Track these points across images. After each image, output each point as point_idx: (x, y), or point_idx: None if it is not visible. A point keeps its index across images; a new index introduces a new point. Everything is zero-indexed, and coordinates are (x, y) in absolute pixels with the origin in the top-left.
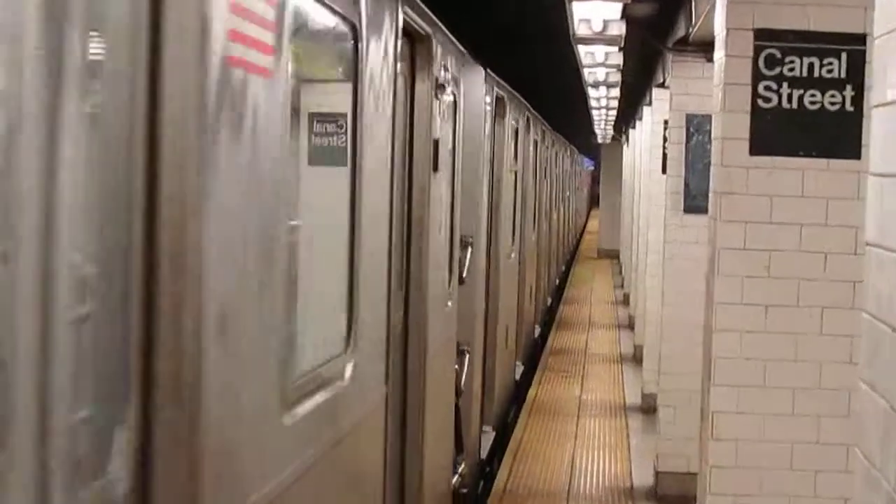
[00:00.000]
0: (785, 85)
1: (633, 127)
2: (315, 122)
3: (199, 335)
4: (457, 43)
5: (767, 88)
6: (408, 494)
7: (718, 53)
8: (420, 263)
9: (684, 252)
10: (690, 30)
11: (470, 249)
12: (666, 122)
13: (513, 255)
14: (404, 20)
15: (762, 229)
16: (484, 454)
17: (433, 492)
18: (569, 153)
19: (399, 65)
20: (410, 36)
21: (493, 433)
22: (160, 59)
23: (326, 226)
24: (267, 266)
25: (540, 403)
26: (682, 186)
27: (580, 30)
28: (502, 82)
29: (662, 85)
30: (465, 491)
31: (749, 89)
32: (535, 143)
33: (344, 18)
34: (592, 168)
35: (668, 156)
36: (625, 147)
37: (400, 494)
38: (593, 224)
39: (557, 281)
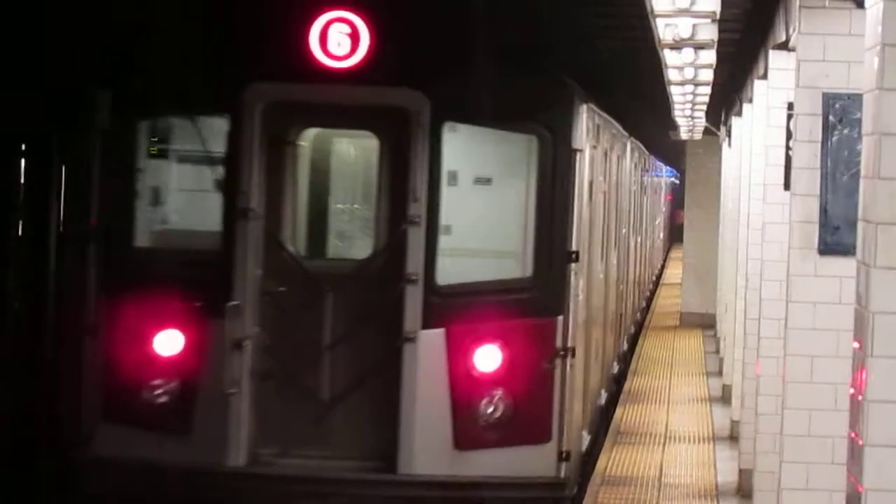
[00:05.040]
0: None
1: (739, 114)
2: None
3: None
4: None
5: None
6: None
7: None
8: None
9: (820, 319)
10: None
11: None
12: (790, 107)
13: None
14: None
15: None
16: None
17: None
18: (637, 157)
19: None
20: None
21: None
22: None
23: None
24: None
25: None
26: (818, 212)
27: None
28: None
29: (784, 45)
30: None
31: None
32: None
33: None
34: (674, 180)
35: (794, 161)
36: (724, 147)
37: None
38: (673, 271)
39: (615, 368)
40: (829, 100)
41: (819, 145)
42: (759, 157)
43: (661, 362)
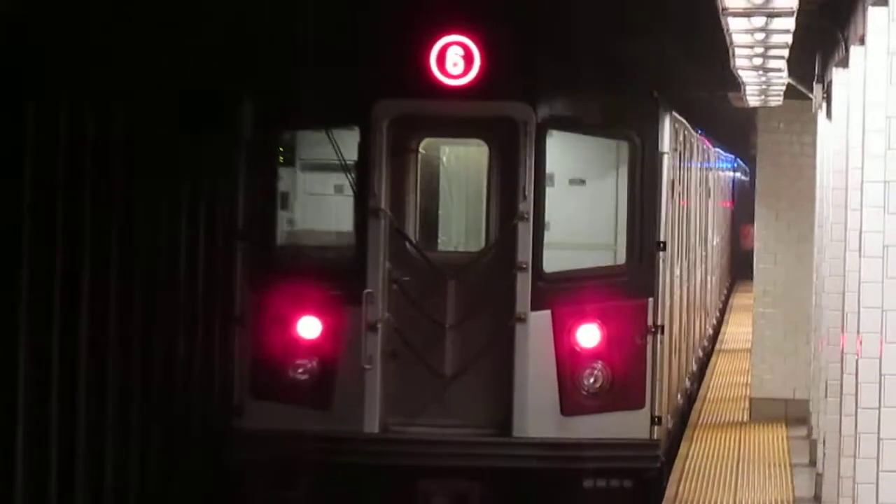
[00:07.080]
0: None
1: (843, 64)
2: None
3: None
4: None
5: None
6: None
7: None
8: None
9: None
10: None
11: None
12: None
13: None
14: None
15: None
16: None
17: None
18: (697, 150)
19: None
20: None
21: None
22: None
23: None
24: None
25: None
26: None
27: None
28: None
29: None
30: None
31: None
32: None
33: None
34: (740, 175)
35: None
36: (820, 118)
37: None
38: (737, 329)
39: None
40: None
41: None
42: (877, 136)
43: (719, 484)
